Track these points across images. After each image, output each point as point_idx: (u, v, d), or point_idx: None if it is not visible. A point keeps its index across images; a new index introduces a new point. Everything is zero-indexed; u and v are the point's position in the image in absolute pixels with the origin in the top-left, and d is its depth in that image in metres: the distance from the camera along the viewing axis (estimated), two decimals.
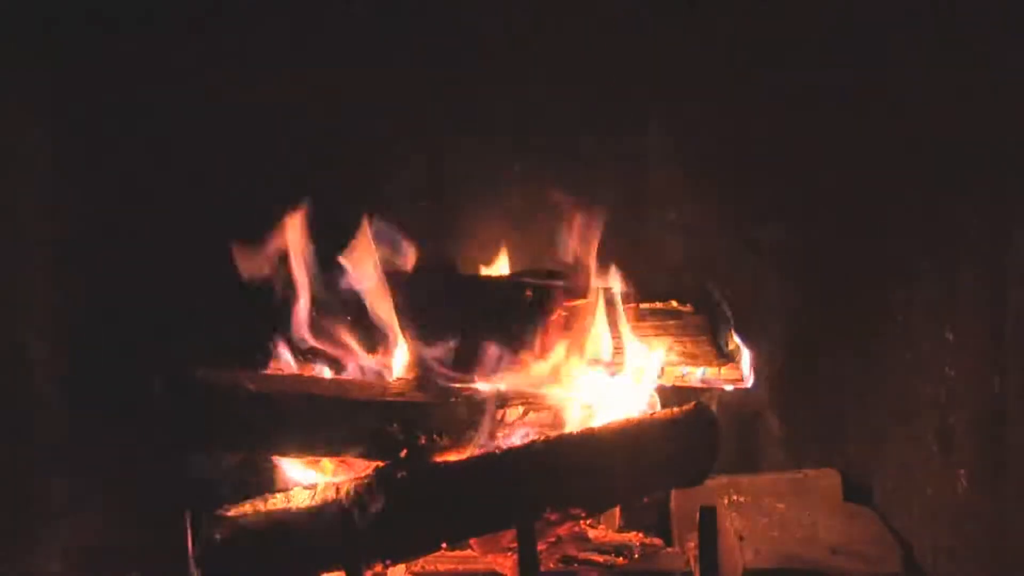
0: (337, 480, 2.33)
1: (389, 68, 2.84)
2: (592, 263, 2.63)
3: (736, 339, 2.63)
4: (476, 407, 2.41)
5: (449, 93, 2.86)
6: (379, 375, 2.51)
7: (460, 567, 2.50)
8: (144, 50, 2.78)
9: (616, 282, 2.65)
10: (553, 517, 2.32)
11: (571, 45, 2.86)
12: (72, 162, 2.76)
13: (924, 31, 2.53)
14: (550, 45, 2.86)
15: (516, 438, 2.46)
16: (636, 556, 2.53)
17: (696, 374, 2.62)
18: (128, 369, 2.60)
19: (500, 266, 2.76)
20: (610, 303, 2.59)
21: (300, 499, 2.27)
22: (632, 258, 2.73)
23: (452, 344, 2.49)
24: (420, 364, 2.48)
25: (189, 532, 2.21)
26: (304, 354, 2.53)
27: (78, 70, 2.75)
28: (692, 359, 2.61)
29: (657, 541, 2.64)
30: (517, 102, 2.86)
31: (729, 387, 2.65)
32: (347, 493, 2.26)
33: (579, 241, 2.64)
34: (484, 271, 2.77)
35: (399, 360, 2.51)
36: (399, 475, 2.27)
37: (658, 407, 2.56)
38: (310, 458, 2.44)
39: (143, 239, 2.77)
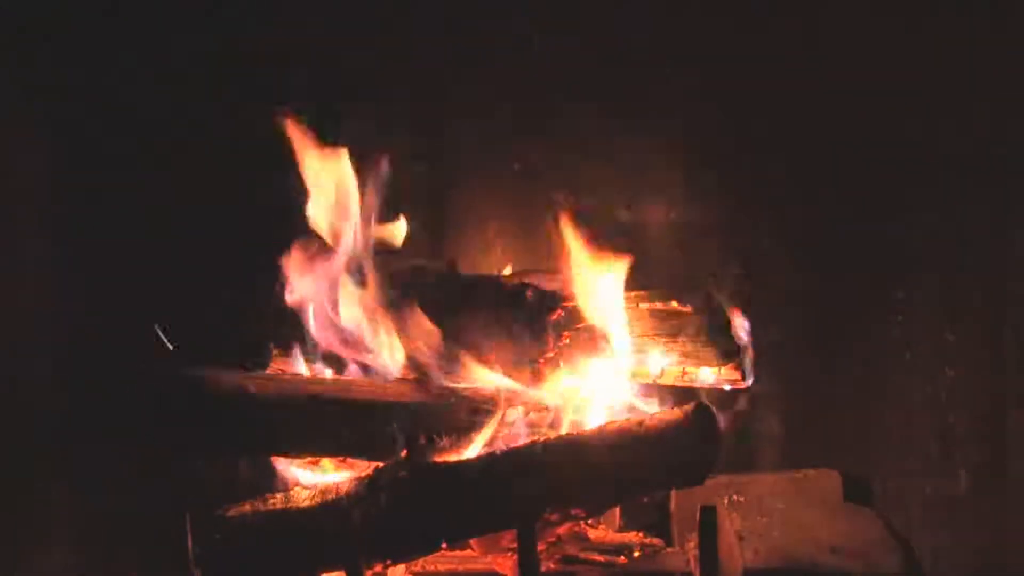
0: (337, 480, 2.33)
1: (389, 64, 2.84)
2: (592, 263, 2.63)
3: (736, 339, 2.63)
4: (476, 407, 2.41)
5: (450, 91, 2.86)
6: (379, 375, 2.51)
7: (460, 567, 2.50)
8: (139, 49, 2.78)
9: (616, 281, 2.64)
10: (553, 517, 2.32)
11: (570, 45, 2.86)
12: (71, 162, 2.76)
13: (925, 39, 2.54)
14: (550, 44, 2.86)
15: (516, 438, 2.46)
16: (636, 556, 2.53)
17: (696, 374, 2.61)
18: (128, 370, 2.60)
19: (501, 266, 2.76)
20: (611, 302, 2.59)
21: (300, 499, 2.27)
22: (632, 258, 2.73)
23: (452, 344, 2.49)
24: (420, 365, 2.48)
25: (189, 532, 2.21)
26: (304, 354, 2.53)
27: (76, 70, 2.75)
28: (692, 359, 2.61)
29: (657, 541, 2.63)
30: (518, 101, 2.87)
31: (728, 387, 2.65)
32: (347, 493, 2.25)
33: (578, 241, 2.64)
34: (485, 271, 2.76)
35: (399, 360, 2.51)
36: (399, 475, 2.27)
37: (658, 407, 2.55)
38: (310, 458, 2.44)
39: (143, 239, 2.77)
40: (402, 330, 2.51)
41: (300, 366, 2.52)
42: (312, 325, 2.52)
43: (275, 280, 2.55)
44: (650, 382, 2.60)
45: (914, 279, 2.63)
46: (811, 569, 2.41)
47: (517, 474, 2.30)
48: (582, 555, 2.48)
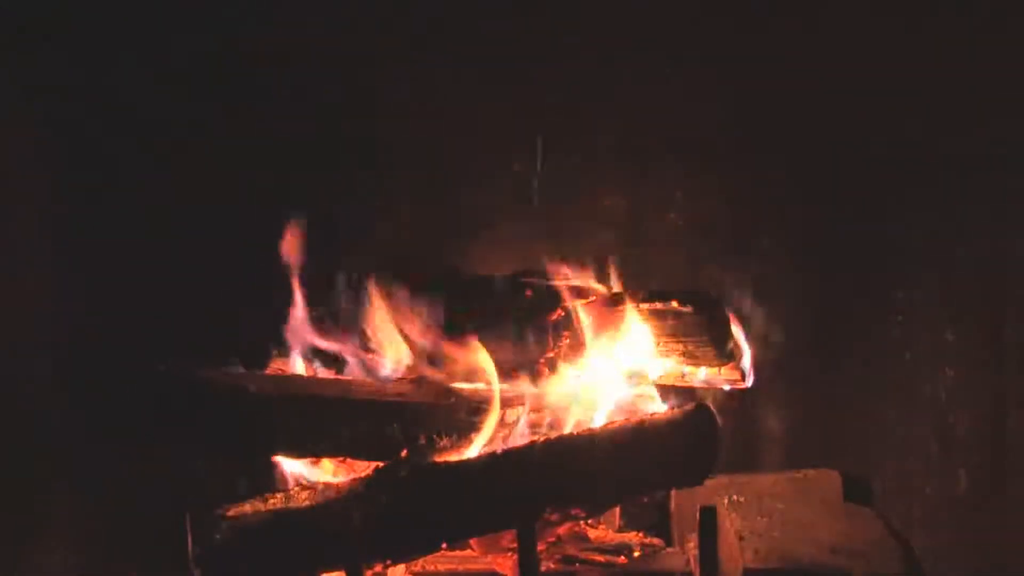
0: (337, 480, 2.33)
1: (389, 64, 2.84)
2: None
3: (736, 339, 2.63)
4: (476, 407, 2.41)
5: (450, 91, 2.86)
6: (379, 375, 2.51)
7: (460, 567, 2.50)
8: (139, 49, 2.78)
9: (616, 282, 2.65)
10: (553, 517, 2.32)
11: (570, 44, 2.86)
12: (71, 162, 2.76)
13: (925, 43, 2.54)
14: (550, 44, 2.86)
15: (516, 438, 2.46)
16: (636, 556, 2.53)
17: (696, 374, 2.61)
18: (128, 369, 2.60)
19: (501, 266, 2.76)
20: (610, 303, 2.59)
21: (300, 499, 2.27)
22: (632, 258, 2.73)
23: (452, 344, 2.49)
24: (420, 364, 2.48)
25: (189, 532, 2.21)
26: (304, 354, 2.53)
27: (76, 70, 2.75)
28: (692, 359, 2.61)
29: (657, 541, 2.64)
30: (518, 101, 2.87)
31: (728, 387, 2.65)
32: (347, 493, 2.25)
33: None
34: (485, 271, 2.76)
35: (399, 360, 2.51)
36: (399, 475, 2.27)
37: (658, 407, 2.55)
38: (310, 458, 2.44)
39: (144, 239, 2.78)
40: (402, 330, 2.51)
41: (300, 366, 2.52)
42: (311, 325, 2.52)
43: (275, 280, 2.55)
44: (650, 382, 2.60)
45: (914, 279, 2.63)
46: (811, 569, 2.41)
47: (517, 474, 2.30)
48: (582, 555, 2.48)
